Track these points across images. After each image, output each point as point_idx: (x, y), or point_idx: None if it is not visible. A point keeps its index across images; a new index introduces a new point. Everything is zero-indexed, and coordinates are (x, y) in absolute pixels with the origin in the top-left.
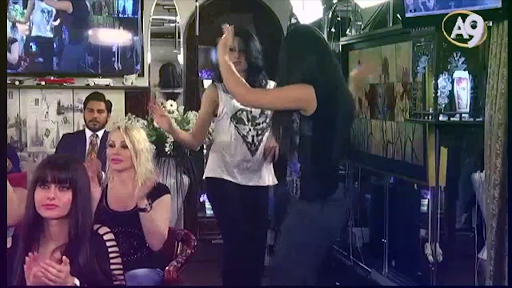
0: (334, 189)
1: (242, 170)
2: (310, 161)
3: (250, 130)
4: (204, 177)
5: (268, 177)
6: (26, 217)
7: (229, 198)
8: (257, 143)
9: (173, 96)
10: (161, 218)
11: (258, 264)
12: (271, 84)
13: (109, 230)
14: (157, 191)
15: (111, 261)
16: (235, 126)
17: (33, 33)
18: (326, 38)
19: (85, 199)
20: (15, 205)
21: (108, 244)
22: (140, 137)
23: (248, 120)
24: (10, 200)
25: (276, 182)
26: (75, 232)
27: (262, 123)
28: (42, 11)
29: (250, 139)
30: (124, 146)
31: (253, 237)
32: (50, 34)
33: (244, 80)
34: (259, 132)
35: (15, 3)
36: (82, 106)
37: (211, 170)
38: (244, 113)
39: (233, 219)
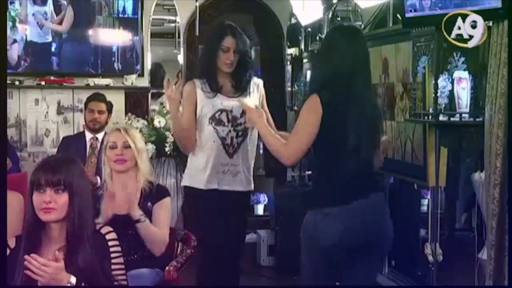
0: (332, 201)
1: (219, 174)
2: (316, 168)
3: (230, 131)
4: (182, 185)
5: (246, 183)
6: (27, 221)
7: (207, 207)
8: (235, 145)
9: (158, 96)
10: (162, 221)
11: (233, 269)
12: (258, 82)
13: (111, 229)
14: (157, 194)
15: (113, 260)
16: (214, 127)
17: (28, 38)
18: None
19: (83, 200)
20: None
21: (110, 243)
22: (139, 136)
23: (228, 121)
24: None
25: (252, 188)
26: (74, 233)
27: (244, 123)
28: (33, 14)
29: (229, 141)
30: (127, 146)
31: (229, 243)
32: (43, 39)
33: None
34: (239, 133)
35: (12, 2)
36: (83, 106)
37: (188, 178)
38: (224, 113)
39: (210, 230)
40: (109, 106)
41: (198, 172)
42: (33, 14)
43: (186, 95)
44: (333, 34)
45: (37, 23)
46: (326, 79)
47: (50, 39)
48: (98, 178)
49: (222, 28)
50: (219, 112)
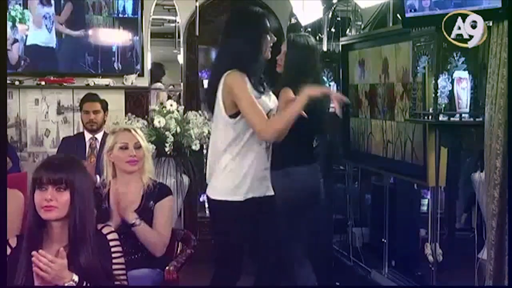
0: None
1: (258, 181)
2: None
3: None
4: (216, 198)
5: (271, 186)
6: (28, 219)
7: (243, 220)
8: (269, 146)
9: None
10: (164, 220)
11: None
12: None
13: (113, 229)
14: (159, 193)
15: (114, 260)
16: None
17: (32, 41)
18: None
19: (85, 199)
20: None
21: (111, 243)
22: (143, 136)
23: None
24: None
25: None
26: (75, 233)
27: None
28: (44, 17)
29: (269, 143)
30: (138, 147)
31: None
32: (49, 43)
33: None
34: None
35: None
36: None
37: (224, 189)
38: (271, 113)
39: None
40: (104, 105)
41: (239, 180)
42: (44, 16)
43: (246, 83)
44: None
45: (46, 26)
46: (293, 75)
47: (55, 43)
48: (98, 176)
49: (263, 15)
50: (269, 112)
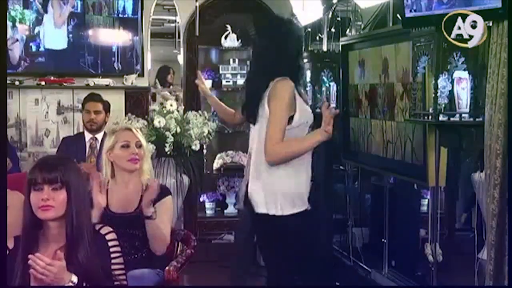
0: None
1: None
2: None
3: None
4: (284, 214)
5: None
6: (24, 221)
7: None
8: None
9: None
10: (164, 220)
11: None
12: None
13: (111, 230)
14: (158, 193)
15: (113, 261)
16: None
17: (46, 45)
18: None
19: (80, 198)
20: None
21: (110, 244)
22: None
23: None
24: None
25: None
26: (72, 232)
27: None
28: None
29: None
30: (140, 145)
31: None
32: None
33: None
34: None
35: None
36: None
37: (292, 202)
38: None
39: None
40: (106, 106)
41: (301, 191)
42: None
43: (290, 94)
44: None
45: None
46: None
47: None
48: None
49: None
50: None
